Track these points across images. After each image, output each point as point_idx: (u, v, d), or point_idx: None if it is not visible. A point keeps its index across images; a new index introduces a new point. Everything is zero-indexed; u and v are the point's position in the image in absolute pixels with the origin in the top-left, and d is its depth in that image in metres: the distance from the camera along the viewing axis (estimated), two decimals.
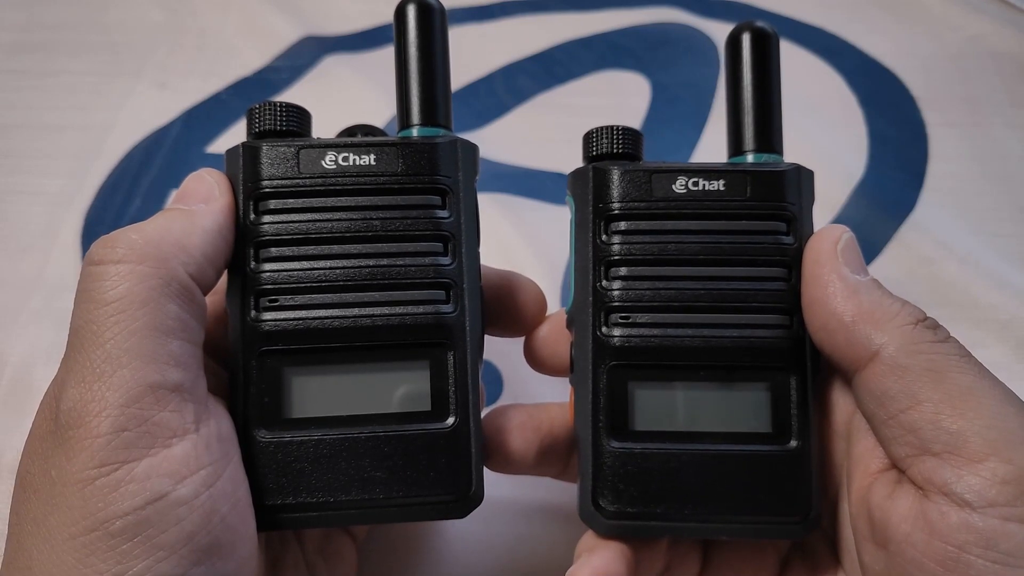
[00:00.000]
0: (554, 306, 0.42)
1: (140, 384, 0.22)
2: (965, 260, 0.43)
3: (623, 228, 0.28)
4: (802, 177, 0.29)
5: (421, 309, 0.27)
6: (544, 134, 0.49)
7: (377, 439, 0.26)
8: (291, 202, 0.27)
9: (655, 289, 0.28)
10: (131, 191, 0.47)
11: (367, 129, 0.35)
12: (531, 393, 0.39)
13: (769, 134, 0.30)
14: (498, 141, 0.49)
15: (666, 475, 0.27)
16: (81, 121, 0.50)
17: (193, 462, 0.22)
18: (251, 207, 0.27)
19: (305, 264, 0.27)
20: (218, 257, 0.26)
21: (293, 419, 0.26)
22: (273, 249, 0.27)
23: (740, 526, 0.27)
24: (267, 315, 0.27)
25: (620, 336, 0.27)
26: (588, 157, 0.30)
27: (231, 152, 0.28)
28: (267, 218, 0.27)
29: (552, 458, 0.29)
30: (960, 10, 0.55)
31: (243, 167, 0.27)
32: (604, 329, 0.28)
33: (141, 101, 0.51)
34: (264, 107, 0.28)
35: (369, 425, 0.26)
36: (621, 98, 0.51)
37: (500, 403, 0.39)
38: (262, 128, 0.28)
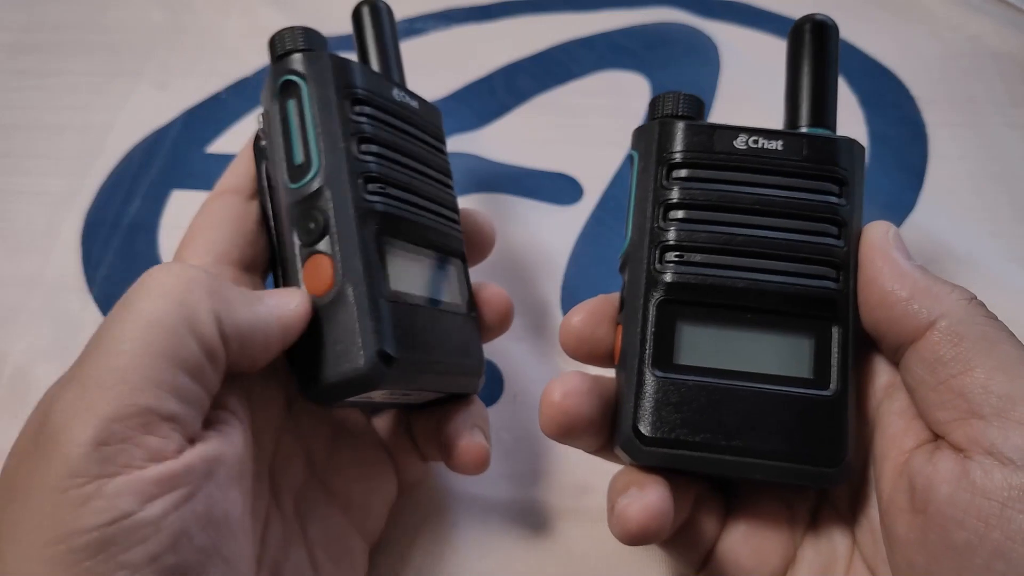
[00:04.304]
0: (553, 307, 0.42)
1: (134, 403, 0.22)
2: (965, 260, 0.42)
3: (684, 175, 0.30)
4: (855, 149, 0.31)
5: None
6: (544, 134, 0.49)
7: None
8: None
9: (709, 232, 0.29)
10: (131, 191, 0.47)
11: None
12: (532, 393, 0.39)
13: (824, 111, 0.32)
14: (498, 141, 0.49)
15: (705, 408, 0.28)
16: (81, 121, 0.50)
17: (165, 484, 0.22)
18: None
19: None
20: (253, 347, 0.26)
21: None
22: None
23: (773, 465, 0.27)
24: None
25: (672, 272, 0.29)
26: (653, 119, 0.32)
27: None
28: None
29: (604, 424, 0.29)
30: (960, 10, 0.55)
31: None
32: (658, 265, 0.29)
33: (141, 101, 0.51)
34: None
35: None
36: (621, 98, 0.51)
37: (500, 403, 0.39)
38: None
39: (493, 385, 0.39)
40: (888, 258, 0.28)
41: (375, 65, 0.36)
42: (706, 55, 0.53)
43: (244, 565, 0.25)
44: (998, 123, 0.49)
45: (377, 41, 0.36)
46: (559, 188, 0.47)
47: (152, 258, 0.44)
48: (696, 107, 0.32)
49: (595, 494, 0.35)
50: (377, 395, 0.29)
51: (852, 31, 0.54)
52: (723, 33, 0.54)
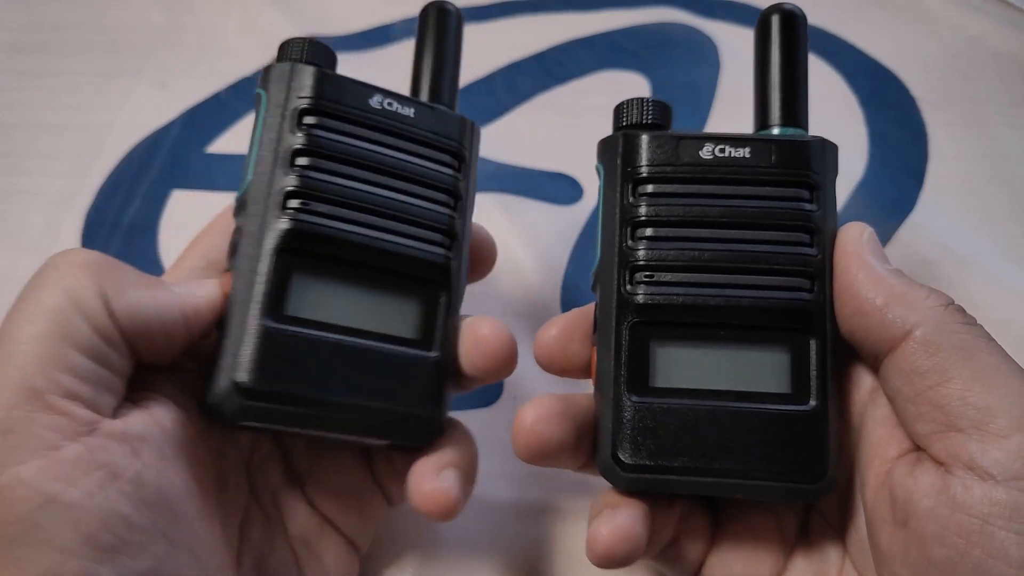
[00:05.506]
0: (553, 307, 0.42)
1: (30, 386, 0.22)
2: (965, 260, 0.42)
3: (650, 191, 0.29)
4: (826, 149, 0.30)
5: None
6: (544, 134, 0.49)
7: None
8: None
9: (679, 249, 0.28)
10: (131, 191, 0.47)
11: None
12: (531, 393, 0.39)
13: (795, 109, 0.31)
14: (498, 141, 0.49)
15: (684, 430, 0.27)
16: (81, 121, 0.50)
17: (86, 463, 0.22)
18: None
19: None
20: (149, 330, 0.25)
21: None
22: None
23: (755, 484, 0.27)
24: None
25: (643, 294, 0.28)
26: (618, 128, 0.31)
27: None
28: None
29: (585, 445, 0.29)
30: (960, 10, 0.55)
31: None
32: (628, 287, 0.28)
33: (141, 101, 0.51)
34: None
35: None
36: (621, 98, 0.50)
37: (500, 403, 0.39)
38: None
39: (493, 385, 0.39)
40: (863, 264, 0.27)
41: (426, 73, 0.33)
42: (706, 55, 0.53)
43: (205, 551, 0.25)
44: (998, 123, 0.49)
45: (437, 47, 0.34)
46: (559, 188, 0.47)
47: (152, 258, 0.44)
48: (663, 114, 0.30)
49: (594, 495, 0.35)
50: (276, 427, 0.27)
51: (852, 31, 0.54)
52: (723, 33, 0.54)
